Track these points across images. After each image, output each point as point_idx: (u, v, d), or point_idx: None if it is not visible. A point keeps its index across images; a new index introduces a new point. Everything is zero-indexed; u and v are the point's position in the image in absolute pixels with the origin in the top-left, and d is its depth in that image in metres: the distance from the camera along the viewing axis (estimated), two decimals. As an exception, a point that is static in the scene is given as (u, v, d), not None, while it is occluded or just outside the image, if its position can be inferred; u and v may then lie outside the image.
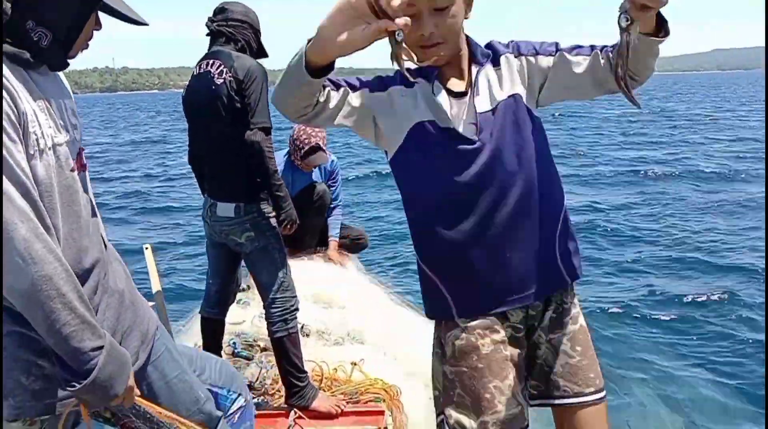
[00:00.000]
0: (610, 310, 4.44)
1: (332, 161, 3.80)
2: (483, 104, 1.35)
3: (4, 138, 1.06)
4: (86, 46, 1.28)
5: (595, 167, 11.62)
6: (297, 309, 2.41)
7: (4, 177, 1.06)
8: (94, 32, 1.28)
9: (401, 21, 0.97)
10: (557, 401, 1.43)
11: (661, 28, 1.15)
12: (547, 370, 1.43)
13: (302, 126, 3.40)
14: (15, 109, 1.10)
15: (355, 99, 1.33)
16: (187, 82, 2.48)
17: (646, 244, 6.23)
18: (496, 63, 1.38)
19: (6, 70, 1.11)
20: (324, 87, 1.26)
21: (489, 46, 1.41)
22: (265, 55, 2.48)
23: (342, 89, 1.32)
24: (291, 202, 2.39)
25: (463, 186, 1.33)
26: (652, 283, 5.05)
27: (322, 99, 1.25)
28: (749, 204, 7.74)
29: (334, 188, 3.81)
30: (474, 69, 1.36)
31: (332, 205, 3.79)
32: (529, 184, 1.34)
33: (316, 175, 3.72)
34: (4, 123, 1.07)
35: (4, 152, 1.06)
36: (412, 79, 1.27)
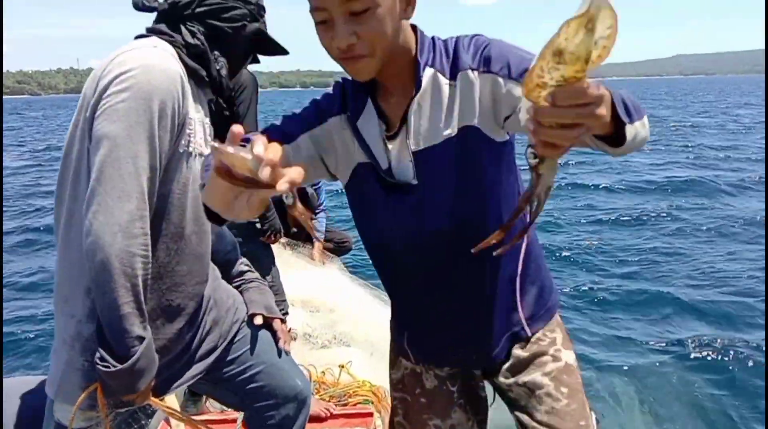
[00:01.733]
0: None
1: None
2: (426, 138, 1.06)
3: (158, 123, 1.16)
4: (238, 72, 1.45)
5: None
6: (287, 313, 2.43)
7: (145, 152, 1.15)
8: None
9: (282, 186, 0.71)
10: None
11: (619, 130, 0.79)
12: (527, 420, 1.22)
13: None
14: (180, 108, 1.21)
15: (295, 153, 1.09)
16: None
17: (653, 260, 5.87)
18: (453, 76, 1.05)
19: (184, 75, 1.25)
20: None
21: (454, 50, 1.07)
22: (256, 60, 2.48)
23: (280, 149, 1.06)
24: (275, 212, 2.42)
25: (394, 235, 1.15)
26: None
27: None
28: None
29: (318, 192, 3.87)
30: (413, 93, 1.06)
31: (317, 210, 3.84)
32: (476, 231, 1.02)
33: None
34: (167, 111, 1.18)
35: (155, 138, 1.16)
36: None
